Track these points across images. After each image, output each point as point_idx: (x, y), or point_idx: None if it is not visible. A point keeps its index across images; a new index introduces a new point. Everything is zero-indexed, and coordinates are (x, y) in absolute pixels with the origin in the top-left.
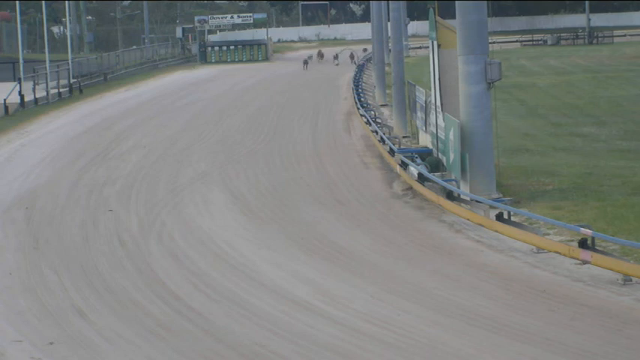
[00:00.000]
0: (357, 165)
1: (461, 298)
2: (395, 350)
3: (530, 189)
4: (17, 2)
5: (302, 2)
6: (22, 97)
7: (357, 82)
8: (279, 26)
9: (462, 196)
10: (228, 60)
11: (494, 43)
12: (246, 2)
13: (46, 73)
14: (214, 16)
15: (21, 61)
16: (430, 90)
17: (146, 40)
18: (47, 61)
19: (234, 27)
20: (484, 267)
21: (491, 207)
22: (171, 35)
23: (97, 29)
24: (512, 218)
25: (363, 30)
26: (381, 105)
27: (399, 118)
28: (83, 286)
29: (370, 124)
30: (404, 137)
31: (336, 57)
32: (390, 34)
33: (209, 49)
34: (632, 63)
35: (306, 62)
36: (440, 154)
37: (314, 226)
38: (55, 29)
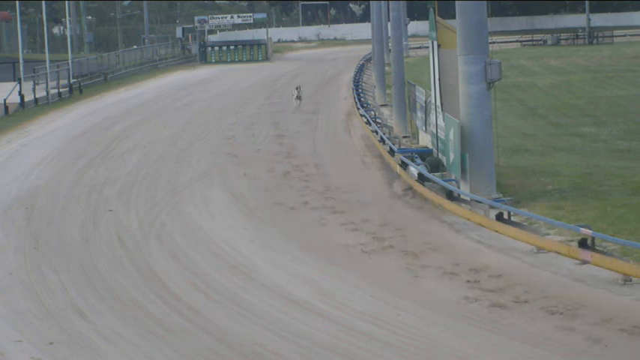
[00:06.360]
0: (357, 165)
1: (461, 298)
2: (395, 350)
3: (530, 189)
4: (17, 2)
5: (302, 2)
6: (22, 97)
7: (357, 82)
8: (279, 26)
9: (462, 196)
10: (228, 60)
11: (494, 43)
12: (246, 2)
13: (46, 73)
14: (214, 16)
15: (21, 61)
16: (430, 90)
17: (146, 40)
18: (47, 61)
19: (234, 27)
20: (484, 267)
21: (492, 207)
22: (171, 35)
23: (97, 29)
24: (512, 218)
25: (363, 30)
26: (381, 105)
27: (399, 118)
28: (83, 286)
29: (370, 124)
30: (404, 137)
31: None
32: (390, 34)
33: (209, 49)
34: (632, 63)
35: None
36: (440, 154)
37: (314, 226)
38: (55, 29)
